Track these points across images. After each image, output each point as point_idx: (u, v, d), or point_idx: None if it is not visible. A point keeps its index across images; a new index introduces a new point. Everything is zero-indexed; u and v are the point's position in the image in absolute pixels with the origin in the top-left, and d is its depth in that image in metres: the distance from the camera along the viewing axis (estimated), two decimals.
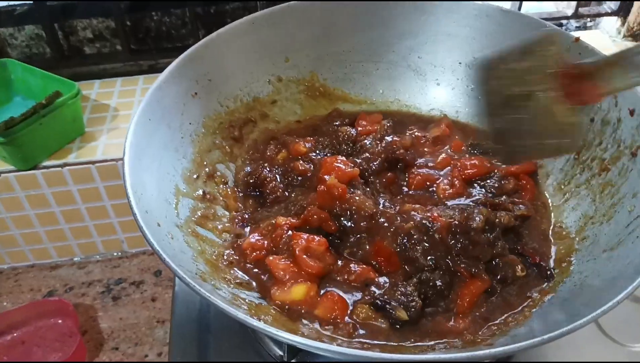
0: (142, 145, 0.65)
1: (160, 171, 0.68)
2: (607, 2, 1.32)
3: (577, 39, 0.75)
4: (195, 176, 0.75)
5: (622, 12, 1.29)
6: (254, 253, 0.68)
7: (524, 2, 1.22)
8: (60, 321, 1.05)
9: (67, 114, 1.03)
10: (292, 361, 0.69)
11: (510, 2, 1.25)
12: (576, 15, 1.29)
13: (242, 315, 0.47)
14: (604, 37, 1.33)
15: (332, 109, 0.90)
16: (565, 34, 0.78)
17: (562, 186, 0.75)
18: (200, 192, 0.74)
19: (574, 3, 1.27)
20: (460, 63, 0.87)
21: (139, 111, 0.67)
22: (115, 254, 1.19)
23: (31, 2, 1.13)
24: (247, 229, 0.74)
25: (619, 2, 1.28)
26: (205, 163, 0.77)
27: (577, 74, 0.59)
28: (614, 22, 1.33)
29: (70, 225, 1.12)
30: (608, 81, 0.57)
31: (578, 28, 1.37)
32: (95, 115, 1.13)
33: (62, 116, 1.02)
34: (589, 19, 1.35)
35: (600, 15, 1.31)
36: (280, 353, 0.70)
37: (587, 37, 0.76)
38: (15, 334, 1.04)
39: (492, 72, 0.66)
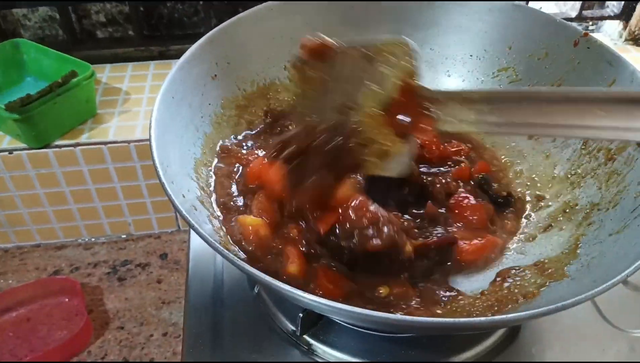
0: (166, 121, 0.67)
1: (182, 148, 0.70)
2: (610, 1, 1.35)
3: (586, 33, 0.78)
4: (212, 156, 0.77)
5: (625, 15, 1.32)
6: None
7: (529, 3, 1.26)
8: (67, 299, 1.06)
9: (81, 94, 1.05)
10: (304, 336, 0.71)
11: None
12: (579, 18, 1.32)
13: (269, 279, 0.49)
14: (606, 40, 1.36)
15: None
16: (573, 28, 0.80)
17: (569, 176, 0.77)
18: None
19: (578, 5, 1.30)
20: (471, 55, 0.90)
21: (163, 88, 0.69)
22: (121, 236, 1.21)
23: None
24: None
25: (621, 6, 1.32)
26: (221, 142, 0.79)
27: (414, 98, 0.58)
28: (616, 25, 1.36)
29: (79, 206, 1.13)
30: (441, 115, 0.57)
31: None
32: (107, 98, 1.15)
33: (76, 96, 1.04)
34: (591, 22, 1.38)
35: (603, 18, 1.35)
36: (293, 328, 0.72)
37: None
38: (21, 311, 1.05)
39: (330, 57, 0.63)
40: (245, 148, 0.81)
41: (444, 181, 0.78)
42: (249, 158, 0.79)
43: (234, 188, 0.75)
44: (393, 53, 0.61)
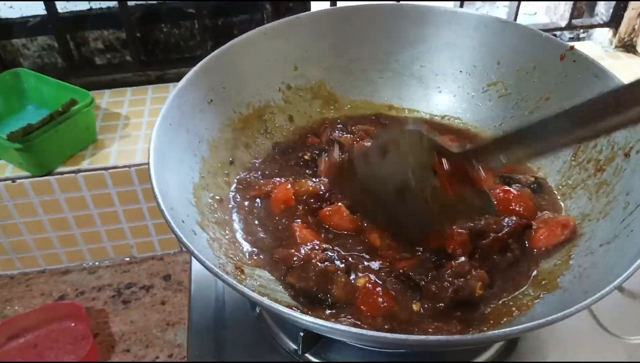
0: (164, 147, 0.69)
1: (181, 173, 0.72)
2: (599, 5, 1.36)
3: (572, 47, 0.80)
4: (211, 180, 0.79)
5: (614, 22, 1.34)
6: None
7: (518, 15, 1.28)
8: (72, 324, 1.08)
9: (81, 121, 1.07)
10: (306, 355, 0.72)
11: (506, 11, 1.30)
12: (569, 27, 1.34)
13: (269, 302, 0.51)
14: (597, 48, 1.38)
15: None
16: (559, 43, 0.82)
17: (560, 187, 0.79)
18: (217, 197, 0.77)
19: (567, 14, 1.32)
20: (461, 71, 0.92)
21: (160, 115, 0.71)
22: (124, 259, 1.22)
23: (44, 13, 1.17)
24: None
25: (610, 13, 1.34)
26: (220, 166, 0.81)
27: (455, 162, 0.62)
28: (605, 33, 1.38)
29: (82, 230, 1.15)
30: (486, 162, 0.61)
31: (571, 39, 1.43)
32: (107, 123, 1.17)
33: (76, 124, 1.06)
34: (582, 30, 1.40)
35: (592, 26, 1.37)
36: (295, 347, 0.73)
37: (580, 48, 0.80)
38: (28, 337, 1.07)
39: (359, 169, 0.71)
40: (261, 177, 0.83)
41: None
42: (267, 188, 0.80)
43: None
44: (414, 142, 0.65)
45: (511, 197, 0.75)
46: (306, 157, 0.85)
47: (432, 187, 0.64)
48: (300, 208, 0.77)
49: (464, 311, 0.64)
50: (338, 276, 0.66)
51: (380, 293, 0.65)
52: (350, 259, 0.69)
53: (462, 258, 0.66)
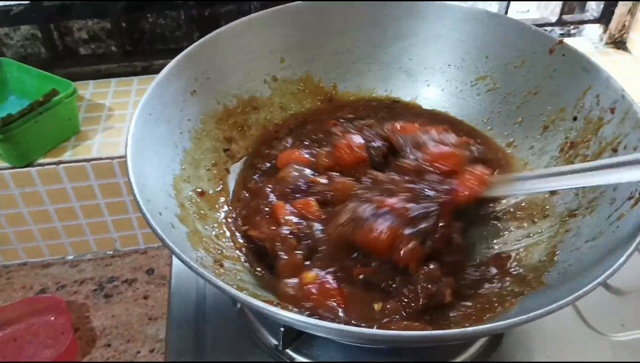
0: (143, 138, 0.67)
1: (161, 165, 0.70)
2: (590, 2, 1.36)
3: (561, 40, 0.79)
4: (192, 172, 0.77)
5: (605, 19, 1.33)
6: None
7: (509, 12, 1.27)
8: (52, 318, 1.06)
9: (63, 112, 1.05)
10: (287, 350, 0.71)
11: (497, 4, 1.29)
12: (560, 23, 1.33)
13: (245, 297, 0.49)
14: (587, 44, 1.37)
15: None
16: (548, 36, 0.81)
17: None
18: (199, 189, 0.76)
19: (558, 10, 1.31)
20: (449, 65, 0.91)
21: (140, 105, 0.69)
22: (107, 252, 1.20)
23: (27, 2, 1.14)
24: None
25: (601, 9, 1.33)
26: (202, 158, 0.79)
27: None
28: (596, 29, 1.38)
29: (64, 223, 1.13)
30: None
31: (562, 35, 1.42)
32: (90, 114, 1.15)
33: (58, 114, 1.03)
34: (572, 26, 1.39)
35: (583, 22, 1.36)
36: (275, 342, 0.72)
37: (570, 44, 0.79)
38: (7, 331, 1.04)
39: None
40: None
41: None
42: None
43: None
44: None
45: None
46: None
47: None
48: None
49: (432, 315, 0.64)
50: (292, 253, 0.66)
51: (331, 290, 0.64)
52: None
53: (432, 265, 0.65)
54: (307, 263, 0.67)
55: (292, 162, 0.78)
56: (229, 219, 0.75)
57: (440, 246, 0.66)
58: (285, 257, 0.67)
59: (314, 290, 0.63)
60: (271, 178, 0.78)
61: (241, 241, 0.73)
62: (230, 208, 0.77)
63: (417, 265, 0.64)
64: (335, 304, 0.63)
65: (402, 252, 0.63)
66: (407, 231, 0.63)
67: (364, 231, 0.64)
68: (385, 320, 0.62)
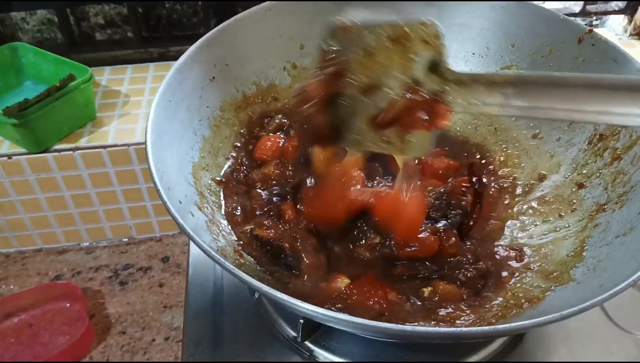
0: (162, 125, 0.66)
1: (180, 152, 0.69)
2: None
3: (591, 30, 0.76)
4: (211, 160, 0.76)
5: (630, 10, 1.30)
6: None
7: None
8: (68, 304, 1.06)
9: (80, 98, 1.04)
10: (305, 342, 0.70)
11: None
12: (583, 13, 1.30)
13: (267, 288, 0.48)
14: (611, 35, 1.34)
15: None
16: (577, 25, 0.79)
17: (574, 176, 0.76)
18: (218, 178, 0.75)
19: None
20: (473, 54, 0.88)
21: (159, 91, 0.68)
22: (123, 240, 1.20)
23: None
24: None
25: (626, 1, 1.30)
26: (221, 146, 0.78)
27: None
28: (620, 20, 1.34)
29: (80, 210, 1.13)
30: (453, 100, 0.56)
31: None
32: (106, 101, 1.14)
33: (74, 100, 1.03)
34: (595, 17, 1.36)
35: (607, 13, 1.33)
36: (294, 334, 0.71)
37: None
38: (22, 316, 1.04)
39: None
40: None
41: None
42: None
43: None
44: (420, 35, 0.60)
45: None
46: None
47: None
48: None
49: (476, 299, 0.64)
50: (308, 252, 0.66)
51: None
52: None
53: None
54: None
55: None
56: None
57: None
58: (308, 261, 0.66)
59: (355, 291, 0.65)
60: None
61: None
62: None
63: (460, 249, 0.68)
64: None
65: (449, 250, 0.68)
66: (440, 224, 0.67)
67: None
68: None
